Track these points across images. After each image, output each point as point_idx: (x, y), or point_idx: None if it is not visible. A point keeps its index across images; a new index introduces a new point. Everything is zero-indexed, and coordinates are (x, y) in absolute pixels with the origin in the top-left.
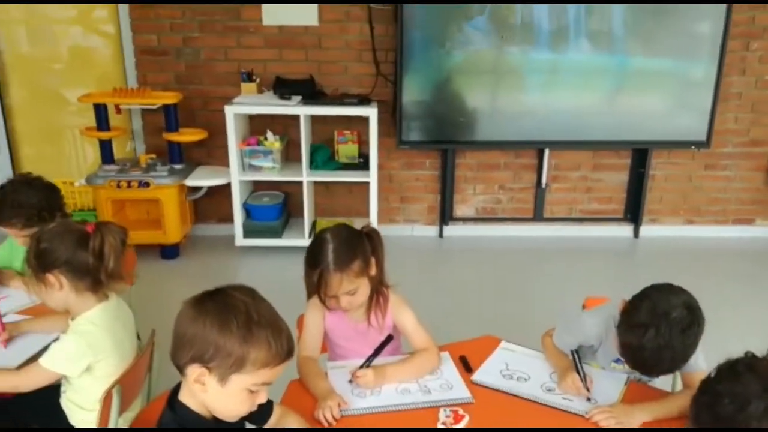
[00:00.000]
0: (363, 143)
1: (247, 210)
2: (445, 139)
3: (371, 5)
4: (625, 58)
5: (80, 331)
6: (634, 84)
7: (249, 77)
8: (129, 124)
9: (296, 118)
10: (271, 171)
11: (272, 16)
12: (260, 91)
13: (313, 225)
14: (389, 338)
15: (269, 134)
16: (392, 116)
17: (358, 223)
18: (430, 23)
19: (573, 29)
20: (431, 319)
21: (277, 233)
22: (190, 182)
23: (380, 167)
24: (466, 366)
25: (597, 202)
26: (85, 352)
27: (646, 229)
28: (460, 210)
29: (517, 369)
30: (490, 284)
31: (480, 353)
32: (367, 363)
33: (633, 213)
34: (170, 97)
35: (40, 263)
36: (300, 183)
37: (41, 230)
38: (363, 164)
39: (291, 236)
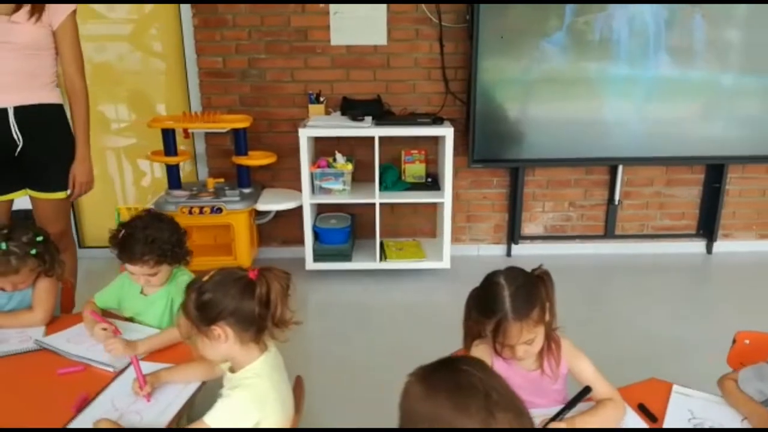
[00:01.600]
0: (430, 162)
1: (316, 233)
2: (516, 157)
3: (443, 24)
4: (703, 73)
5: (247, 386)
6: (711, 99)
7: (317, 98)
8: (192, 147)
9: (362, 138)
10: (341, 193)
11: (340, 36)
12: (327, 113)
13: (381, 246)
14: (586, 390)
15: (338, 156)
16: (464, 135)
17: (426, 245)
18: (505, 40)
19: (653, 44)
20: None
21: (347, 256)
22: (262, 206)
23: None
24: (648, 415)
25: (669, 218)
26: (253, 407)
27: (719, 245)
28: (528, 228)
29: (705, 417)
30: (563, 305)
31: (651, 398)
32: (561, 416)
33: (706, 229)
34: (241, 121)
35: (205, 315)
36: (367, 205)
37: (198, 281)
38: (431, 184)
39: (360, 259)
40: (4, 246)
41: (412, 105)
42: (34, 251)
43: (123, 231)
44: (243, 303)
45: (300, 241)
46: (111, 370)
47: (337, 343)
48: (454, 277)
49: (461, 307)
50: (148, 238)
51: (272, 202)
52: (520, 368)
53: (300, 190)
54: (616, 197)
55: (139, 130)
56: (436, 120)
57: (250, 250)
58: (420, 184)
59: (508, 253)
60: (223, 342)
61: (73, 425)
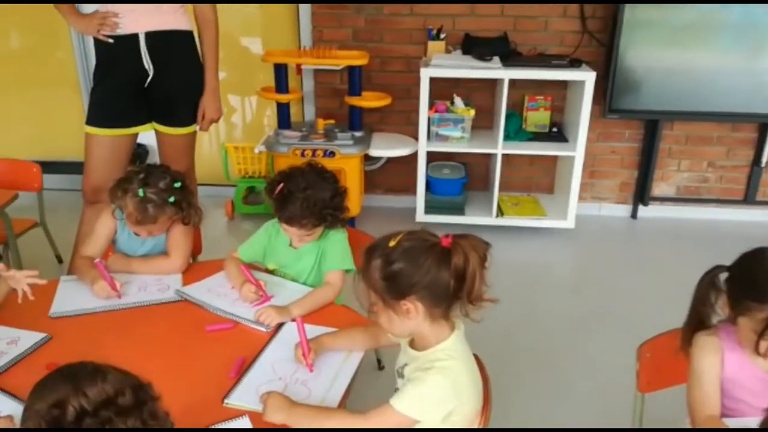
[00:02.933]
0: (555, 110)
1: (428, 183)
2: (656, 108)
3: None
4: None
5: (442, 368)
6: None
7: (437, 34)
8: (300, 84)
9: (482, 80)
10: (459, 141)
11: None
12: (447, 51)
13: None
14: None
15: (457, 100)
16: (599, 81)
17: (543, 201)
18: None
19: None
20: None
21: (460, 210)
22: (375, 152)
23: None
24: None
25: None
26: (450, 394)
27: None
28: (658, 188)
29: None
30: (692, 274)
31: None
32: None
33: None
34: (358, 57)
35: (394, 287)
36: (482, 155)
37: (382, 246)
38: (556, 135)
39: (474, 213)
40: (141, 193)
41: (541, 44)
42: (172, 199)
43: (282, 186)
44: (438, 276)
45: (407, 191)
46: (264, 330)
47: None
48: (576, 238)
49: (587, 270)
50: (309, 200)
51: (385, 148)
52: (759, 368)
53: (412, 135)
54: (764, 159)
55: (232, 63)
56: (574, 62)
57: (360, 198)
58: (543, 134)
59: (634, 215)
60: (413, 317)
61: (237, 392)
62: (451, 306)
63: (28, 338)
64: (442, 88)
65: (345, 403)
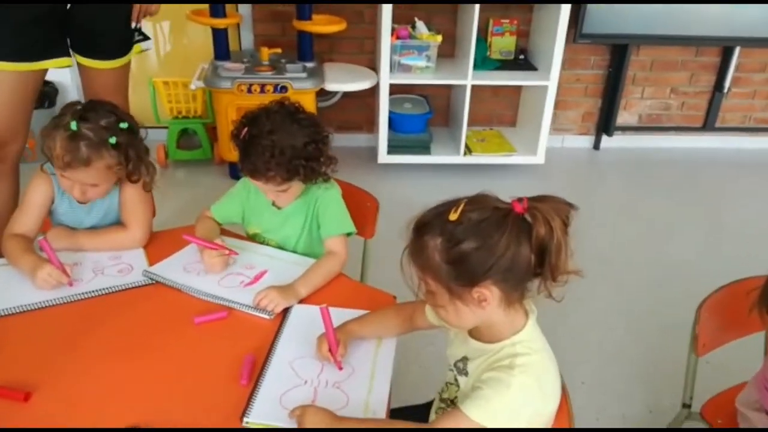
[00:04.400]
0: (521, 35)
1: (390, 119)
2: (626, 32)
3: None
4: None
5: (527, 367)
6: None
7: None
8: (235, 7)
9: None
10: (424, 72)
11: None
12: None
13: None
14: None
15: (419, 24)
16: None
17: (508, 133)
18: None
19: None
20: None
21: (426, 148)
22: (331, 86)
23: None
24: None
25: None
26: (536, 397)
27: None
28: (621, 117)
29: None
30: (656, 207)
31: None
32: None
33: None
34: None
35: (464, 273)
36: (448, 86)
37: (443, 221)
38: (523, 63)
39: (441, 152)
40: (74, 126)
41: None
42: (113, 140)
43: (246, 129)
44: (518, 252)
45: (361, 128)
46: (267, 317)
47: None
48: (544, 173)
49: None
50: (275, 147)
51: (343, 81)
52: None
53: (366, 65)
54: (726, 84)
55: None
56: None
57: None
58: (509, 62)
59: (596, 146)
60: (487, 306)
61: (256, 407)
62: (527, 286)
63: None
64: (400, 12)
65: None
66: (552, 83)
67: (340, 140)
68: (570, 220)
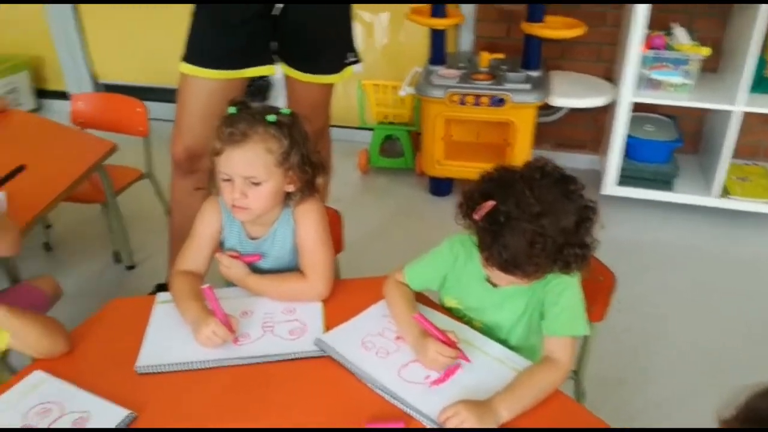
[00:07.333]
0: None
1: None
2: None
3: None
4: None
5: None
6: None
7: None
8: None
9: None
10: (679, 91)
11: None
12: None
13: None
14: None
15: (678, 30)
16: None
17: None
18: None
19: None
20: None
21: (667, 183)
22: (558, 100)
23: None
24: None
25: None
26: None
27: None
28: None
29: None
30: None
31: None
32: None
33: None
34: None
35: None
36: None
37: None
38: None
39: (687, 190)
40: (234, 110)
41: None
42: (272, 117)
43: (495, 205)
44: None
45: (585, 147)
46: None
47: (652, 307)
48: None
49: None
50: (546, 237)
51: (572, 95)
52: None
53: (603, 76)
54: None
55: None
56: None
57: (527, 156)
58: None
59: None
60: None
61: None
62: None
63: (102, 416)
64: (654, 14)
65: None
66: None
67: (557, 158)
68: None
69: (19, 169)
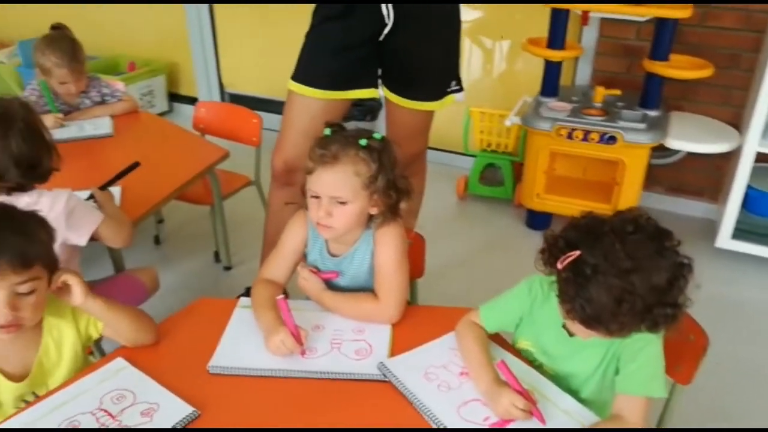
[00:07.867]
0: None
1: (746, 195)
2: None
3: None
4: None
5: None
6: None
7: None
8: (577, 37)
9: None
10: None
11: None
12: None
13: None
14: None
15: None
16: None
17: None
18: None
19: None
20: None
21: None
22: (674, 143)
23: None
24: None
25: None
26: None
27: None
28: None
29: None
30: None
31: None
32: None
33: None
34: (677, 7)
35: None
36: None
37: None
38: None
39: None
40: (328, 131)
41: None
42: (364, 142)
43: (579, 255)
44: None
45: (701, 194)
46: None
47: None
48: None
49: None
50: (633, 293)
51: (690, 139)
52: None
53: (729, 121)
54: None
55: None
56: None
57: (635, 200)
58: None
59: None
60: None
61: None
62: None
63: (169, 410)
64: None
65: None
66: None
67: (667, 203)
68: None
69: (134, 165)
